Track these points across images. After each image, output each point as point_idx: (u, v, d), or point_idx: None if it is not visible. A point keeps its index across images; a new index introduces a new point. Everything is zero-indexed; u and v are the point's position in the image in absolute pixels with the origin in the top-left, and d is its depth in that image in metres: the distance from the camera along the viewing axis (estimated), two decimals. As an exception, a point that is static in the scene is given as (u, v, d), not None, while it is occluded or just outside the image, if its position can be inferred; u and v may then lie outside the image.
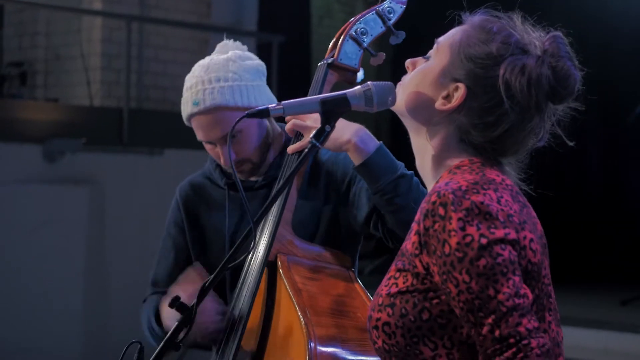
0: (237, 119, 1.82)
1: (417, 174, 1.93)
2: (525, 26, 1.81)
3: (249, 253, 1.82)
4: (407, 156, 2.03)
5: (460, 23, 1.85)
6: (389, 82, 1.85)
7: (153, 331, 2.70)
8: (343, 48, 2.57)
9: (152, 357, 1.75)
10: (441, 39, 1.83)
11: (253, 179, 2.73)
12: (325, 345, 2.30)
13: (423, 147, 1.81)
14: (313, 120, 2.38)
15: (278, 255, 2.46)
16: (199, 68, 2.66)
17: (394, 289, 1.69)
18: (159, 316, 2.65)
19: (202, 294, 1.71)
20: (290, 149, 2.48)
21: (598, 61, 8.56)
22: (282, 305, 2.42)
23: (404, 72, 1.88)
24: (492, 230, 1.61)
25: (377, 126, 9.37)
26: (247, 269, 2.48)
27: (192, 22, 8.25)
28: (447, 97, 1.77)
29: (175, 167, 7.14)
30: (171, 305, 1.70)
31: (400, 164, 2.44)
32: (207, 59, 2.69)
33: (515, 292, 1.59)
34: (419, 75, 1.81)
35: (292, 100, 1.81)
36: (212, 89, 2.63)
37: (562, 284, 7.63)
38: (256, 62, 2.70)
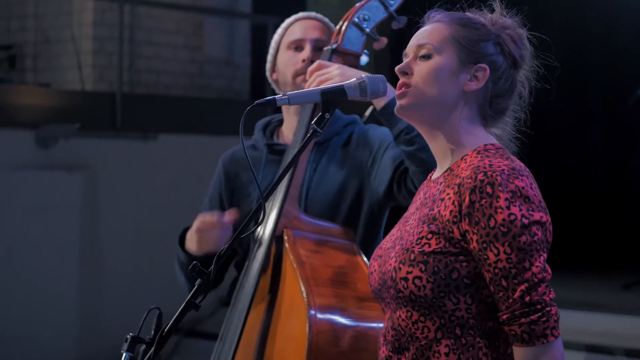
0: (252, 103, 2.11)
1: None
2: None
3: (259, 225, 2.14)
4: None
5: (417, 25, 2.25)
6: (381, 75, 2.22)
7: (179, 260, 3.00)
8: (346, 34, 2.92)
9: (173, 318, 2.02)
10: (428, 40, 2.19)
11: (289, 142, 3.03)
12: (324, 313, 2.65)
13: (442, 128, 2.18)
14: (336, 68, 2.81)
15: (285, 230, 2.80)
16: None
17: (427, 248, 2.08)
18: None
19: (217, 261, 2.02)
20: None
21: (601, 42, 8.77)
22: (287, 277, 2.76)
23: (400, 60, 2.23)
24: (530, 212, 2.03)
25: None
26: (257, 244, 2.82)
27: (186, 4, 8.27)
28: (472, 79, 2.16)
29: (169, 152, 7.27)
30: (191, 271, 2.01)
31: None
32: None
33: (544, 267, 2.02)
34: (435, 71, 2.16)
35: (296, 91, 2.16)
36: (323, 18, 3.11)
37: (565, 267, 7.86)
38: None
